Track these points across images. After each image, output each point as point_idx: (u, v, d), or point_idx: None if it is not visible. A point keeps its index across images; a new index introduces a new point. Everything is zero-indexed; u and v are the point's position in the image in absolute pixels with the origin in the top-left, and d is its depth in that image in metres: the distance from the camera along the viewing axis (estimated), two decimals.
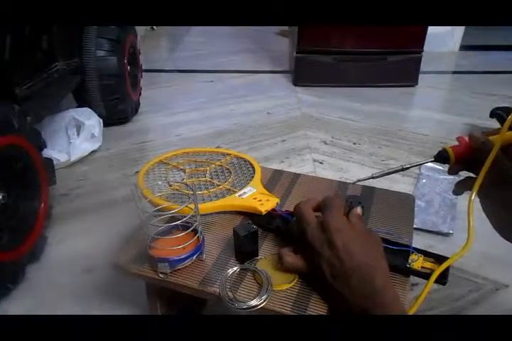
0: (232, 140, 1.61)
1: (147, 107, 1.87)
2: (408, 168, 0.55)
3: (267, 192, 0.72)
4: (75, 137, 1.41)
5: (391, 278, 0.57)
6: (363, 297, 0.45)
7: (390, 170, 0.55)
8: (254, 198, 0.69)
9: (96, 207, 1.19)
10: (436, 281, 0.56)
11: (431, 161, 0.55)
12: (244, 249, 0.59)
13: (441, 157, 0.54)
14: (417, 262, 0.57)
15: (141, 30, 2.84)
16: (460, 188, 0.55)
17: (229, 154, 0.86)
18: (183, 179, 0.78)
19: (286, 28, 3.15)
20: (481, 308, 0.86)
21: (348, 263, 0.46)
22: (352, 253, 0.47)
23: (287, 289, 0.55)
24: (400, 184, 1.28)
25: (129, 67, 1.65)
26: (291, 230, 0.60)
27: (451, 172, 0.55)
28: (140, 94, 1.85)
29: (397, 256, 0.59)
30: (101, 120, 1.51)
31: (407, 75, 2.18)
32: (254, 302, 0.53)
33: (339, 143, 1.59)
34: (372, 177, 0.55)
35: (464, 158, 0.53)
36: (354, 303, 0.45)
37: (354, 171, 1.38)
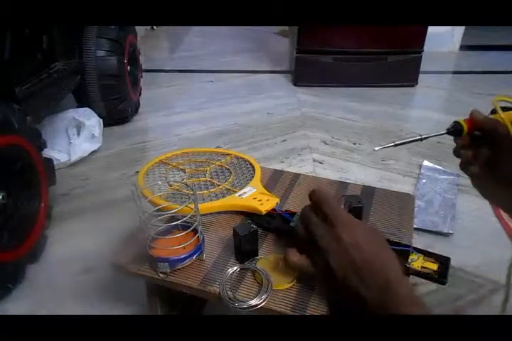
0: (232, 140, 1.61)
1: (147, 107, 1.87)
2: (426, 138, 0.56)
3: (266, 192, 0.72)
4: (75, 137, 1.41)
5: None
6: (378, 289, 0.44)
7: (410, 140, 0.56)
8: (254, 198, 0.69)
9: (96, 207, 1.19)
10: (436, 281, 0.56)
11: (446, 133, 0.56)
12: (244, 249, 0.59)
13: (455, 129, 0.55)
14: (417, 262, 0.57)
15: (141, 30, 2.84)
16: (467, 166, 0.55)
17: (229, 154, 0.86)
18: (183, 179, 0.78)
19: (286, 28, 3.15)
20: (481, 308, 0.86)
21: (359, 257, 0.45)
22: (362, 247, 0.46)
23: (287, 289, 0.55)
24: (399, 184, 1.28)
25: (129, 67, 1.65)
26: (294, 231, 0.60)
27: (462, 142, 0.56)
28: (140, 94, 1.85)
29: (397, 255, 0.59)
30: (101, 120, 1.51)
31: (407, 75, 2.18)
32: (254, 302, 0.53)
33: (339, 143, 1.59)
34: (394, 145, 0.55)
35: (473, 131, 0.55)
36: (369, 297, 0.44)
37: (354, 171, 1.38)
